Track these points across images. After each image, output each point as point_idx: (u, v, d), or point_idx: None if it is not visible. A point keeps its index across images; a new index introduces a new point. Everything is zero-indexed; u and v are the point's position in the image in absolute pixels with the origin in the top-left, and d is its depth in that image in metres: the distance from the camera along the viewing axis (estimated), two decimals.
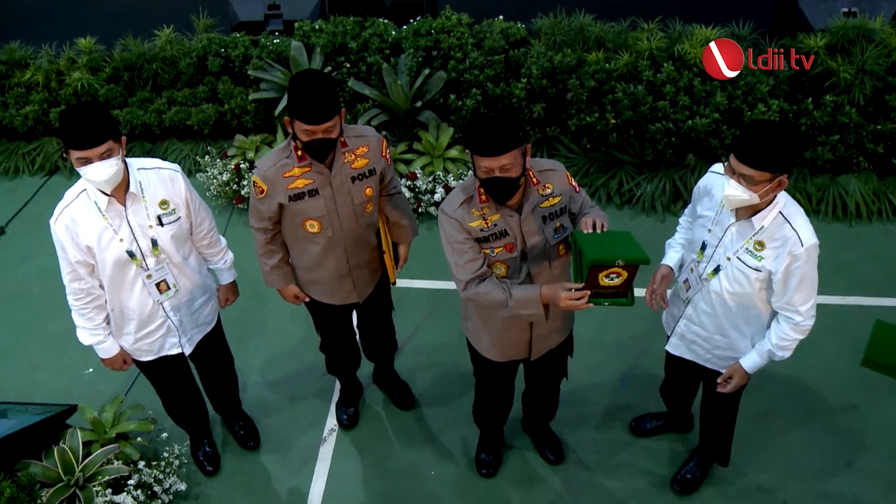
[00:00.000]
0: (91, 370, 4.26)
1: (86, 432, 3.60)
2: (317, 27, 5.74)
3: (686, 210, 3.10)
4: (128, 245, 2.91)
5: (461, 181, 4.96)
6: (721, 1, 6.23)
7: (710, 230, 2.82)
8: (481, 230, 2.72)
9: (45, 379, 4.28)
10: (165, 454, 3.66)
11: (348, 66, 5.63)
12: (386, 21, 5.85)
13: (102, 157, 2.68)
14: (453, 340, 4.21)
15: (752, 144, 2.48)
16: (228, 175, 5.35)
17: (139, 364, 3.32)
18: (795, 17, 5.63)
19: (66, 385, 4.23)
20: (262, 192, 3.03)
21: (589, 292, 2.61)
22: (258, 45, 5.78)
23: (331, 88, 2.81)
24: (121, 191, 2.85)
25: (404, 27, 5.76)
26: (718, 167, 2.80)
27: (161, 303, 3.10)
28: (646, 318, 4.13)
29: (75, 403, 3.72)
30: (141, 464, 3.57)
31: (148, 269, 2.99)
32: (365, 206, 3.15)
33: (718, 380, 3.05)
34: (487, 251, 2.75)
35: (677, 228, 3.16)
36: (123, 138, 2.79)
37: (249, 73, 5.67)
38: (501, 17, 5.81)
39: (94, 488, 3.39)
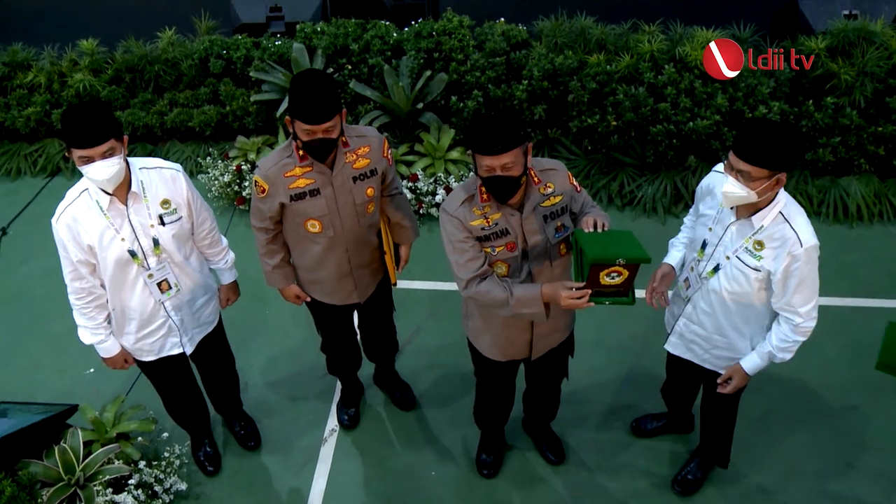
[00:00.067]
0: (92, 370, 4.27)
1: (87, 432, 3.60)
2: (318, 29, 5.76)
3: (691, 209, 3.10)
4: (129, 244, 2.91)
5: (462, 182, 4.96)
6: (722, 3, 6.24)
7: (710, 229, 2.83)
8: (482, 229, 2.73)
9: (46, 379, 4.28)
10: (166, 454, 3.66)
11: (350, 67, 5.64)
12: (387, 23, 5.86)
13: (104, 155, 2.68)
14: (454, 341, 4.21)
15: (750, 140, 2.49)
16: (230, 176, 5.36)
17: (140, 364, 3.32)
18: (796, 19, 5.64)
19: (68, 385, 4.23)
20: (263, 191, 3.03)
21: (590, 291, 2.61)
22: (260, 47, 5.79)
23: (331, 88, 2.81)
24: (122, 190, 2.86)
25: (406, 29, 5.77)
26: (721, 166, 2.81)
27: (162, 302, 3.10)
28: (647, 318, 4.13)
29: (76, 403, 3.72)
30: (142, 463, 3.57)
31: (149, 268, 2.99)
32: (366, 207, 3.15)
33: (718, 380, 3.05)
34: (488, 250, 2.75)
35: (682, 228, 3.16)
36: (125, 137, 2.80)
37: (251, 74, 5.68)
38: (503, 19, 5.82)
39: (95, 488, 3.39)
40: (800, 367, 3.82)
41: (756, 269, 2.70)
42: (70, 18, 7.10)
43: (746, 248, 2.71)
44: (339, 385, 4.09)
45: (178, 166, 3.03)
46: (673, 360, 3.33)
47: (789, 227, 2.64)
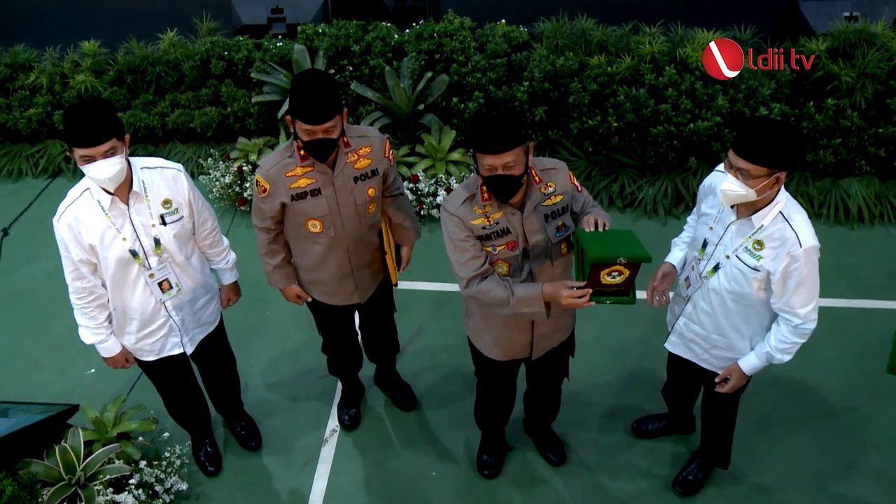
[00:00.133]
0: (93, 370, 4.27)
1: (87, 432, 3.60)
2: (320, 30, 5.76)
3: (693, 209, 3.11)
4: (130, 244, 2.91)
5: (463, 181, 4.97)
6: (722, 5, 6.24)
7: (711, 228, 2.83)
8: (483, 228, 2.73)
9: (47, 379, 4.28)
10: (167, 454, 3.66)
11: (351, 69, 5.64)
12: (389, 24, 5.86)
13: (106, 155, 2.68)
14: (455, 342, 4.21)
15: (749, 138, 2.50)
16: (231, 177, 5.37)
17: (141, 364, 3.32)
18: (797, 21, 5.64)
19: (69, 385, 4.23)
20: (264, 191, 3.04)
21: (591, 290, 2.62)
22: (261, 49, 5.80)
23: (332, 89, 2.81)
24: (124, 190, 2.86)
25: (407, 31, 5.78)
26: (723, 166, 2.81)
27: (163, 302, 3.10)
28: (648, 319, 4.13)
29: (77, 403, 3.72)
30: (142, 463, 3.57)
31: (150, 268, 2.99)
32: (367, 207, 3.15)
33: (716, 379, 3.05)
34: (489, 249, 2.76)
35: (684, 227, 3.17)
36: (127, 137, 2.80)
37: (252, 76, 5.69)
38: (504, 20, 5.82)
39: (96, 487, 3.39)
40: (800, 367, 3.82)
41: (755, 269, 2.70)
42: (71, 20, 7.12)
43: (746, 247, 2.71)
44: (339, 385, 4.09)
45: (179, 166, 3.03)
46: (673, 360, 3.33)
47: (789, 227, 2.63)
